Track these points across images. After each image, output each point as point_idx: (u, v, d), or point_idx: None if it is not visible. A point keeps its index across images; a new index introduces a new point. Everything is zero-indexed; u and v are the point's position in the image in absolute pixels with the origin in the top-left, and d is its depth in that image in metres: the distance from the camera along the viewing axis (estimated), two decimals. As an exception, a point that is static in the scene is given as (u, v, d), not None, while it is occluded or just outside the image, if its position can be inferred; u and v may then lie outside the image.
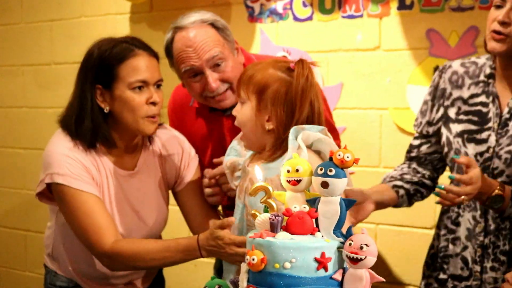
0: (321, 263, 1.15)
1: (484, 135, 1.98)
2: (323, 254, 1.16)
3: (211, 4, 3.05)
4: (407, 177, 2.12)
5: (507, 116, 1.95)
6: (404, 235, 2.70)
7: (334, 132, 2.08)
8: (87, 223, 1.87)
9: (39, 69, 3.71)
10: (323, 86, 2.79)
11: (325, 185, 1.20)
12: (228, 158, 1.85)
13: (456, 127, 2.03)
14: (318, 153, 1.67)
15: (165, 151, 2.10)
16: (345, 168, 1.21)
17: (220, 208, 2.22)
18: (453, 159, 1.87)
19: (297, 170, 1.24)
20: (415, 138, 2.18)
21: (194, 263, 2.96)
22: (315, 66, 1.72)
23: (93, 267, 2.01)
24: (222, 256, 1.76)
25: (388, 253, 2.75)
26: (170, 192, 2.18)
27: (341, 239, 1.20)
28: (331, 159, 1.22)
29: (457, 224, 2.05)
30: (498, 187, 1.88)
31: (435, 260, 2.13)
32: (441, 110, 2.07)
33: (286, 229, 1.20)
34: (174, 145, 2.12)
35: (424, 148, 2.14)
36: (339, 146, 1.89)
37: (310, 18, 2.84)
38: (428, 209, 2.57)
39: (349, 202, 1.22)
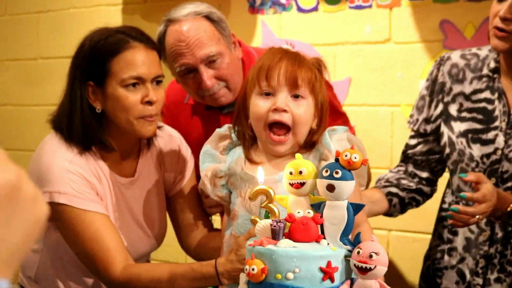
0: (327, 273, 1.15)
1: (490, 135, 1.94)
2: (329, 263, 1.15)
3: (209, -6, 3.05)
4: (404, 182, 2.10)
5: None
6: (419, 242, 2.69)
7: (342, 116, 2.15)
8: (94, 248, 1.78)
9: (24, 64, 3.70)
10: (329, 82, 2.78)
11: (331, 188, 1.19)
12: (206, 167, 1.75)
13: (458, 126, 1.99)
14: None
15: (162, 152, 2.06)
16: (352, 169, 1.20)
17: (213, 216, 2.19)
18: (461, 178, 1.85)
19: (300, 172, 1.24)
20: (411, 137, 2.14)
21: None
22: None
23: None
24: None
25: (401, 262, 2.74)
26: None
27: (349, 247, 1.19)
28: (337, 160, 1.21)
29: (454, 233, 2.03)
30: None
31: (430, 271, 2.11)
32: (440, 106, 2.04)
33: (289, 236, 1.20)
34: (171, 145, 2.07)
35: (421, 148, 2.11)
36: (353, 133, 1.87)
37: (315, 8, 2.83)
38: (443, 214, 2.56)
39: (357, 207, 1.21)
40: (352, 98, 2.81)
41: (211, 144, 1.76)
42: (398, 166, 2.18)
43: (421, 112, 2.09)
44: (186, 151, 2.10)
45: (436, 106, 2.05)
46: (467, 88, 2.00)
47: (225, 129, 1.76)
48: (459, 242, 2.01)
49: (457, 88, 2.01)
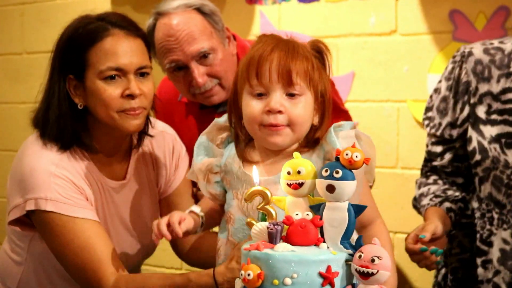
0: (327, 278, 1.15)
1: None
2: (329, 268, 1.15)
3: (204, -16, 3.05)
4: (450, 193, 2.00)
5: None
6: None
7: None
8: (85, 259, 1.73)
9: (8, 59, 3.71)
10: (332, 76, 2.78)
11: (331, 189, 1.19)
12: (200, 160, 1.68)
13: (489, 130, 1.91)
14: None
15: (155, 151, 2.03)
16: (353, 169, 1.21)
17: None
18: (421, 240, 1.79)
19: (298, 172, 1.24)
20: (435, 143, 2.05)
21: None
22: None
23: None
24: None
25: (407, 266, 2.74)
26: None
27: (350, 251, 1.20)
28: (337, 159, 1.21)
29: (489, 244, 1.95)
30: None
31: (447, 282, 2.05)
32: (467, 109, 1.96)
33: (287, 239, 1.20)
34: (164, 142, 2.05)
35: (449, 156, 2.02)
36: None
37: (316, -2, 2.84)
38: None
39: (359, 208, 1.22)
40: (356, 94, 2.81)
41: (208, 135, 1.70)
42: (428, 175, 2.08)
43: (444, 115, 2.00)
44: (181, 148, 2.08)
45: (462, 109, 1.97)
46: (495, 88, 1.92)
47: (224, 119, 1.68)
48: (494, 253, 1.93)
49: (483, 88, 1.94)
